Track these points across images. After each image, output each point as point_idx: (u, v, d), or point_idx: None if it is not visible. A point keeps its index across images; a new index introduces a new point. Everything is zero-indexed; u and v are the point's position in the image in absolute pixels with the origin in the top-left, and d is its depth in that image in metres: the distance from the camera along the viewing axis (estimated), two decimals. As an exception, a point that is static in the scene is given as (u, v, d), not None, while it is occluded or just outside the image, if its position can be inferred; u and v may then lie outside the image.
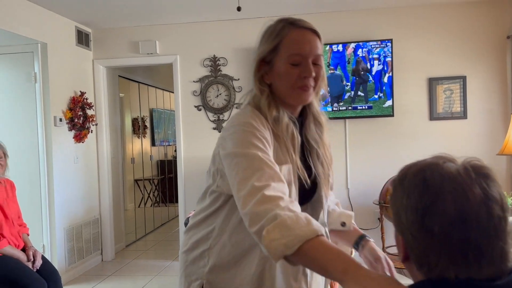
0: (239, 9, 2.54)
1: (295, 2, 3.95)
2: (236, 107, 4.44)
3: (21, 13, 3.55)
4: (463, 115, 4.15)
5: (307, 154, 1.24)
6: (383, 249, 3.95)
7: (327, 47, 4.13)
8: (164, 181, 7.03)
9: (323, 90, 1.24)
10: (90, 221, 4.45)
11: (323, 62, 1.19)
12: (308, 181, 1.17)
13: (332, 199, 1.37)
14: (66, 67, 4.14)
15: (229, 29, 4.42)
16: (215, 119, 4.48)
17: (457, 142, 4.16)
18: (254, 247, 1.15)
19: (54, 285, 2.77)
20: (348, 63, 4.11)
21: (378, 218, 4.07)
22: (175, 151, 7.38)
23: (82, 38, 4.41)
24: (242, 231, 1.12)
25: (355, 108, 4.14)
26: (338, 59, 4.13)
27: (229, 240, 1.19)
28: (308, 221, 0.93)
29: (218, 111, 4.48)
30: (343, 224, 1.33)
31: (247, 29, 4.37)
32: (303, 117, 1.26)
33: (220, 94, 4.49)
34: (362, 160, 4.27)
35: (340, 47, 4.12)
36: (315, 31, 1.18)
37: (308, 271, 1.20)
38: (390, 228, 4.12)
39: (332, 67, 4.13)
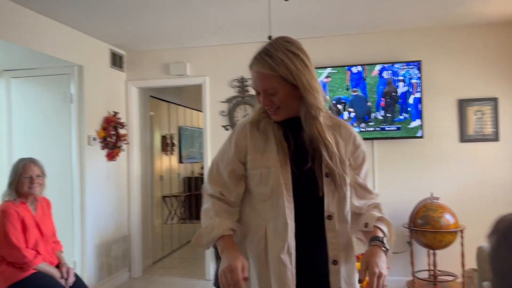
0: (270, 38, 2.59)
1: (323, 26, 4.00)
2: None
3: (60, 38, 3.73)
4: (495, 137, 4.07)
5: (306, 152, 1.38)
6: (413, 273, 3.86)
7: (346, 70, 4.16)
8: (191, 198, 7.11)
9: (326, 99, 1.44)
10: (120, 237, 4.55)
11: (280, 87, 1.33)
12: (287, 162, 1.36)
13: (366, 202, 1.45)
14: (101, 88, 4.30)
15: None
16: (242, 139, 4.54)
17: (489, 164, 4.07)
18: (258, 227, 1.40)
19: (86, 302, 2.85)
20: (364, 79, 4.12)
21: (408, 242, 4.00)
22: (202, 168, 7.49)
23: (116, 60, 4.58)
24: (246, 215, 1.44)
25: (383, 129, 4.12)
26: (358, 80, 4.16)
27: (242, 222, 1.44)
28: (211, 230, 1.35)
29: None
30: (366, 225, 1.40)
31: (275, 51, 4.43)
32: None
33: (247, 114, 4.55)
34: (390, 182, 4.22)
35: (360, 68, 4.14)
36: (259, 72, 1.35)
37: (292, 249, 1.35)
38: (419, 252, 4.04)
39: (355, 89, 4.14)
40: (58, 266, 2.86)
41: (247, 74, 4.52)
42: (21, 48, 3.36)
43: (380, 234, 1.35)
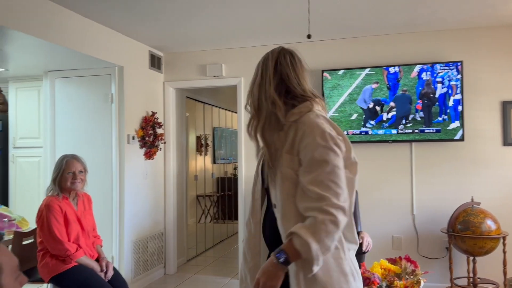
0: (309, 36, 2.59)
1: (361, 25, 3.95)
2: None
3: (102, 39, 3.86)
4: (542, 141, 3.89)
5: None
6: (451, 280, 3.75)
7: (383, 70, 4.10)
8: (224, 198, 7.18)
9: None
10: (155, 234, 4.65)
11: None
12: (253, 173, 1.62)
13: (308, 205, 1.37)
14: (140, 89, 4.41)
15: (293, 52, 4.49)
16: (277, 140, 4.54)
17: (535, 169, 3.90)
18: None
19: (123, 296, 2.92)
20: (398, 81, 4.04)
21: (446, 247, 3.89)
22: (235, 168, 7.55)
23: (155, 62, 4.69)
24: None
25: (422, 131, 4.02)
26: (393, 80, 4.08)
27: None
28: None
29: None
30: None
31: (312, 51, 4.42)
32: None
33: (282, 115, 4.54)
34: (429, 186, 4.11)
35: (397, 69, 4.06)
36: None
37: (246, 226, 1.63)
38: (458, 258, 3.91)
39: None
40: (97, 260, 2.94)
41: (282, 75, 4.52)
42: (65, 49, 3.49)
43: (284, 247, 1.36)
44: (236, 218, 4.84)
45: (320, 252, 1.32)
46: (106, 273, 2.89)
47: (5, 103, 4.84)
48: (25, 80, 4.62)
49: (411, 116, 4.04)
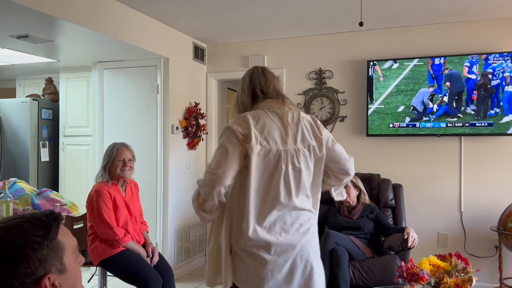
0: (361, 24, 2.53)
1: (411, 14, 3.82)
2: (340, 120, 4.41)
3: (148, 31, 3.93)
4: None
5: None
6: (501, 280, 3.60)
7: (428, 60, 3.96)
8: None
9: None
10: (197, 223, 4.73)
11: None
12: None
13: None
14: (184, 80, 4.47)
15: (336, 42, 4.42)
16: (319, 132, 4.49)
17: None
18: None
19: (168, 281, 2.97)
20: (441, 73, 3.89)
21: (496, 246, 3.73)
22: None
23: (198, 53, 4.74)
24: None
25: (473, 125, 3.85)
26: (437, 72, 3.93)
27: None
28: None
29: (322, 123, 4.49)
30: None
31: (355, 41, 4.33)
32: None
33: (324, 107, 4.50)
34: (479, 182, 3.94)
35: (442, 60, 3.90)
36: None
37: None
38: (509, 257, 3.75)
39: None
40: (144, 245, 3.01)
41: (324, 65, 4.46)
42: (113, 40, 3.58)
43: None
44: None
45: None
46: (152, 258, 2.95)
47: (56, 93, 5.04)
48: (75, 70, 4.79)
49: (462, 108, 3.88)
